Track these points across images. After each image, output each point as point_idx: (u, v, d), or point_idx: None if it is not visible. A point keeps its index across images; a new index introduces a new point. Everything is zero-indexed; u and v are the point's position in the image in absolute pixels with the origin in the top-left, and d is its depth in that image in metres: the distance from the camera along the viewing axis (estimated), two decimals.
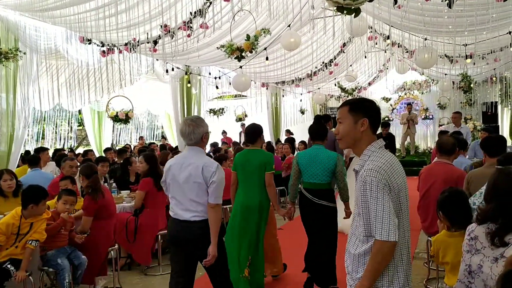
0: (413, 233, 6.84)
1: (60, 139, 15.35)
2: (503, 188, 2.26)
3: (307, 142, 8.42)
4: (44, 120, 13.66)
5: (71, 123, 15.50)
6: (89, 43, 7.22)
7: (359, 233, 2.22)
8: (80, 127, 17.22)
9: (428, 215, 4.71)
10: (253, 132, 4.69)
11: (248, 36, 6.44)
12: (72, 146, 15.13)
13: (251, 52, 6.40)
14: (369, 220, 2.14)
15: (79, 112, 14.54)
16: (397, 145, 13.22)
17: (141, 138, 14.21)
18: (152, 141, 14.18)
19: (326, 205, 4.44)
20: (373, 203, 2.10)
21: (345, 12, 3.00)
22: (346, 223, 4.67)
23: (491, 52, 9.73)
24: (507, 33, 7.14)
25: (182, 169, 3.32)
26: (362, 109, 2.25)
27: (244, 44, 6.34)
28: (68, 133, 15.87)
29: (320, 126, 4.78)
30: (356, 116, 2.24)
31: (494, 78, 13.52)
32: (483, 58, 10.01)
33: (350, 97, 16.48)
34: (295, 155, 5.80)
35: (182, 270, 3.56)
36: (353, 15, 3.16)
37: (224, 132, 14.83)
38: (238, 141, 13.98)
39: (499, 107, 14.18)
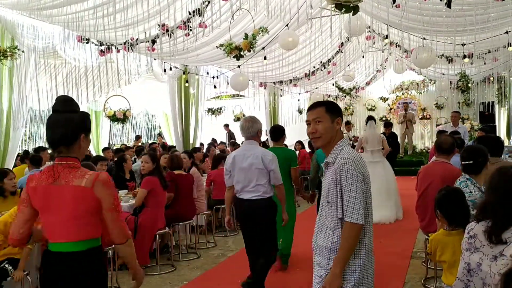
0: (411, 232, 6.93)
1: None
2: (499, 186, 2.27)
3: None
4: (41, 120, 13.60)
5: None
6: (87, 43, 7.20)
7: (328, 223, 2.39)
8: None
9: (426, 214, 4.72)
10: (277, 131, 5.41)
11: (246, 35, 6.44)
12: None
13: (249, 51, 6.40)
14: (339, 206, 2.31)
15: None
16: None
17: (137, 137, 14.10)
18: (152, 141, 14.11)
19: None
20: (348, 188, 2.27)
21: (343, 9, 3.00)
22: None
23: (489, 52, 9.75)
24: (505, 32, 7.16)
25: (245, 159, 4.15)
26: (337, 110, 2.50)
27: (242, 43, 6.34)
28: None
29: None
30: (332, 116, 2.44)
31: (491, 78, 13.56)
32: (480, 58, 10.03)
33: (348, 97, 16.52)
34: (314, 153, 6.27)
35: (251, 244, 4.43)
36: (351, 13, 3.16)
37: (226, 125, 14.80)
38: (224, 141, 13.98)
39: (496, 107, 14.21)
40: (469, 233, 2.36)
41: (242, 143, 4.85)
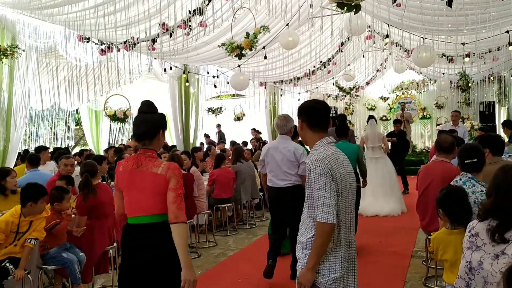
0: (411, 231, 6.93)
1: (57, 139, 15.30)
2: (503, 184, 2.26)
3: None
4: (42, 120, 13.61)
5: (68, 122, 15.44)
6: (88, 42, 7.20)
7: (307, 221, 2.46)
8: (78, 127, 17.16)
9: (426, 213, 4.71)
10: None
11: (247, 34, 6.44)
12: (69, 145, 15.08)
13: (250, 49, 6.40)
14: (312, 207, 2.38)
15: (77, 111, 14.49)
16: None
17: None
18: None
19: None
20: (316, 189, 2.33)
21: (345, 8, 3.00)
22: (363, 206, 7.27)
23: (489, 51, 9.75)
24: (506, 31, 7.15)
25: (278, 151, 4.71)
26: (300, 112, 2.59)
27: (243, 42, 6.34)
28: (65, 132, 15.83)
29: (344, 127, 6.19)
30: (299, 119, 2.58)
31: (491, 78, 13.54)
32: (481, 57, 10.03)
33: (348, 97, 16.53)
34: None
35: (278, 227, 4.95)
36: (352, 12, 3.16)
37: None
38: (215, 140, 13.97)
39: (496, 106, 14.21)
40: (471, 231, 2.36)
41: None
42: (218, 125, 14.88)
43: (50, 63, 9.61)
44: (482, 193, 3.29)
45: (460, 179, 3.50)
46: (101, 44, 7.25)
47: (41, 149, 7.33)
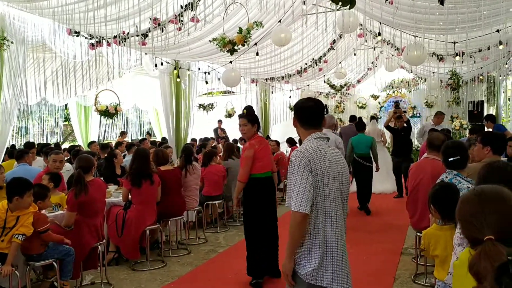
0: (401, 228, 6.96)
1: (45, 134, 15.12)
2: (488, 179, 2.30)
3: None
4: (30, 115, 13.44)
5: (57, 118, 15.27)
6: (77, 36, 7.10)
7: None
8: (66, 122, 16.98)
9: (416, 210, 4.73)
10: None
11: (240, 29, 6.39)
12: (58, 141, 14.91)
13: (243, 45, 6.35)
14: (288, 197, 2.44)
15: (65, 107, 14.32)
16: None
17: (123, 133, 13.61)
18: (142, 138, 13.95)
19: (367, 164, 8.10)
20: (293, 178, 2.40)
21: (340, 3, 2.99)
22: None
23: (479, 51, 9.81)
24: (496, 31, 7.20)
25: None
26: (294, 109, 2.72)
27: (236, 37, 6.29)
28: (53, 128, 15.65)
29: (362, 124, 8.48)
30: (293, 116, 2.70)
31: (481, 77, 13.65)
32: (471, 57, 10.10)
33: (338, 94, 16.55)
34: (349, 140, 8.35)
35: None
36: (347, 7, 3.14)
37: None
38: (213, 136, 13.90)
39: (485, 106, 14.33)
40: None
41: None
42: (219, 121, 14.69)
43: (38, 58, 9.48)
44: (469, 190, 3.32)
45: (446, 177, 3.55)
46: (91, 38, 7.14)
47: (29, 145, 7.25)
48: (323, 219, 2.43)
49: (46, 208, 4.33)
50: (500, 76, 13.67)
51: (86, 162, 4.68)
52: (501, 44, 7.44)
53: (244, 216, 4.90)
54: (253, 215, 4.79)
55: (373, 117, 10.33)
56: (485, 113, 14.25)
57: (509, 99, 14.29)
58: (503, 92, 14.32)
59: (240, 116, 4.89)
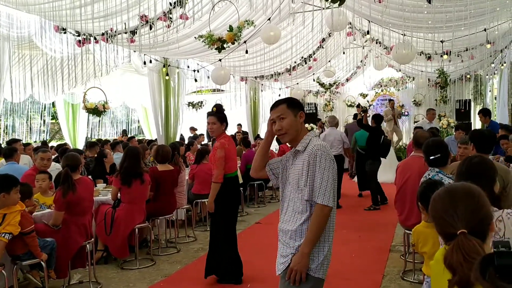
0: (389, 226, 7.01)
1: (33, 133, 14.95)
2: (464, 172, 2.45)
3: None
4: (16, 113, 13.28)
5: (44, 116, 15.10)
6: (64, 33, 7.01)
7: (297, 207, 2.46)
8: (53, 121, 16.79)
9: (404, 208, 4.78)
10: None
11: (231, 27, 6.35)
12: (45, 139, 14.74)
13: (233, 43, 6.33)
14: (309, 189, 2.38)
15: (53, 105, 14.16)
16: None
17: (124, 132, 13.77)
18: (131, 135, 13.85)
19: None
20: (320, 172, 2.37)
21: (329, 0, 2.99)
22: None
23: (466, 50, 9.92)
24: (483, 30, 7.28)
25: (331, 135, 8.79)
26: (297, 104, 2.61)
27: (226, 35, 6.26)
28: (40, 126, 15.48)
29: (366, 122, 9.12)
30: (294, 111, 2.54)
31: (468, 76, 13.79)
32: (458, 56, 10.20)
33: (328, 93, 16.59)
34: (353, 134, 9.72)
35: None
36: (337, 4, 3.15)
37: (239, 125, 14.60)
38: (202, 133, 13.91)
39: (472, 104, 14.49)
40: None
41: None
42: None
43: (25, 55, 9.36)
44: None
45: (429, 175, 3.66)
46: (78, 35, 7.06)
47: (12, 141, 7.15)
48: (334, 212, 2.47)
49: (31, 205, 4.28)
50: (487, 75, 13.84)
51: (73, 161, 4.63)
52: (488, 43, 7.52)
53: (215, 216, 4.72)
54: (226, 215, 4.69)
55: (365, 110, 9.97)
56: (472, 112, 14.45)
57: (495, 98, 14.45)
58: (490, 91, 14.50)
59: (209, 114, 4.70)
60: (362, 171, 9.05)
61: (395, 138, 13.94)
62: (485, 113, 7.97)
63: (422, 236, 3.01)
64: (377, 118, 8.78)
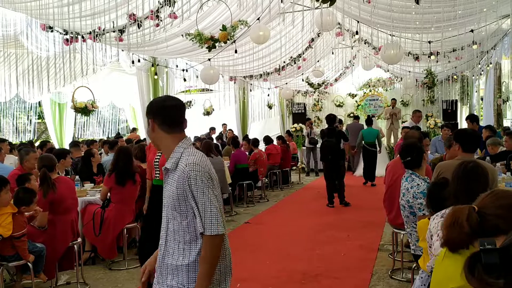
0: (378, 225, 7.04)
1: (19, 132, 14.74)
2: (460, 176, 2.58)
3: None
4: (2, 112, 13.08)
5: (30, 115, 14.90)
6: (51, 31, 6.92)
7: (180, 237, 2.03)
8: (40, 120, 16.58)
9: (393, 207, 4.80)
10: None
11: (224, 26, 6.32)
12: (31, 139, 14.55)
13: (225, 42, 6.30)
14: (192, 218, 2.00)
15: (39, 104, 13.98)
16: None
17: (134, 129, 13.73)
18: (118, 135, 13.73)
19: (373, 150, 10.98)
20: (200, 197, 1.98)
21: (320, 0, 3.00)
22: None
23: (453, 51, 10.03)
24: (470, 31, 7.37)
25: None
26: (149, 111, 2.18)
27: (219, 34, 6.22)
28: (26, 126, 15.27)
29: (370, 120, 11.32)
30: (148, 119, 2.17)
31: (455, 77, 13.96)
32: (445, 56, 10.31)
33: (316, 93, 16.65)
34: (360, 131, 11.37)
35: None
36: (328, 4, 3.15)
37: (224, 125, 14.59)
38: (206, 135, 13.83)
39: (459, 105, 14.67)
40: (443, 217, 2.50)
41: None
42: (224, 125, 14.58)
43: (11, 54, 9.22)
44: (419, 187, 3.69)
45: (404, 176, 3.91)
46: (66, 34, 6.98)
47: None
48: (226, 239, 2.11)
49: (30, 211, 4.22)
50: (473, 76, 14.01)
51: (49, 161, 4.59)
52: (474, 44, 7.61)
53: (149, 221, 4.38)
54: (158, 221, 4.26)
55: (371, 117, 12.02)
56: (459, 112, 14.63)
57: (481, 99, 14.65)
58: (476, 91, 14.69)
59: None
60: (368, 163, 11.03)
61: (392, 138, 13.97)
62: (472, 119, 7.96)
63: (420, 231, 3.08)
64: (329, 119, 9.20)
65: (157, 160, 4.62)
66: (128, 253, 5.49)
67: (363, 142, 10.95)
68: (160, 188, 2.34)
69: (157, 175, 4.62)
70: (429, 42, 8.06)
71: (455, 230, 1.32)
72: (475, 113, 14.70)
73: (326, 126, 9.23)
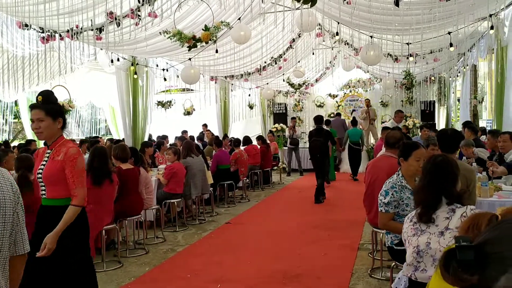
0: (358, 224, 7.10)
1: None
2: (428, 170, 2.71)
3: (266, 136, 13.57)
4: None
5: (6, 115, 14.55)
6: (28, 29, 6.77)
7: None
8: (16, 120, 16.20)
9: (372, 207, 4.83)
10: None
11: (206, 27, 6.29)
12: (7, 139, 14.20)
13: (206, 42, 6.27)
14: None
15: (15, 103, 13.67)
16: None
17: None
18: (95, 135, 13.51)
19: (358, 148, 12.02)
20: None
21: (301, 1, 3.00)
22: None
23: (431, 52, 10.20)
24: (448, 33, 7.50)
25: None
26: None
27: (202, 34, 6.18)
28: (2, 126, 14.91)
29: (355, 121, 12.62)
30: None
31: (432, 78, 14.22)
32: (423, 58, 10.48)
33: (297, 93, 16.71)
34: (345, 131, 12.64)
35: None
36: (309, 5, 3.16)
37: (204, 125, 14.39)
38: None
39: (436, 105, 14.94)
40: (412, 220, 2.66)
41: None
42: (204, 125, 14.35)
43: None
44: (387, 185, 3.73)
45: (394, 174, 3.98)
46: (43, 32, 6.83)
47: None
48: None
49: None
50: (450, 77, 14.29)
51: (28, 161, 4.49)
52: (451, 46, 7.75)
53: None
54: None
55: (338, 114, 13.85)
56: (436, 113, 14.90)
57: (458, 100, 14.95)
58: (453, 93, 14.99)
59: (33, 107, 3.09)
60: (354, 160, 12.14)
61: (371, 137, 14.16)
62: (470, 127, 7.36)
63: None
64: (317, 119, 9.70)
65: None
66: (107, 255, 5.41)
67: (348, 141, 12.15)
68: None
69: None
70: (408, 44, 8.17)
71: (472, 233, 1.30)
72: (452, 114, 15.04)
73: (313, 126, 9.70)
